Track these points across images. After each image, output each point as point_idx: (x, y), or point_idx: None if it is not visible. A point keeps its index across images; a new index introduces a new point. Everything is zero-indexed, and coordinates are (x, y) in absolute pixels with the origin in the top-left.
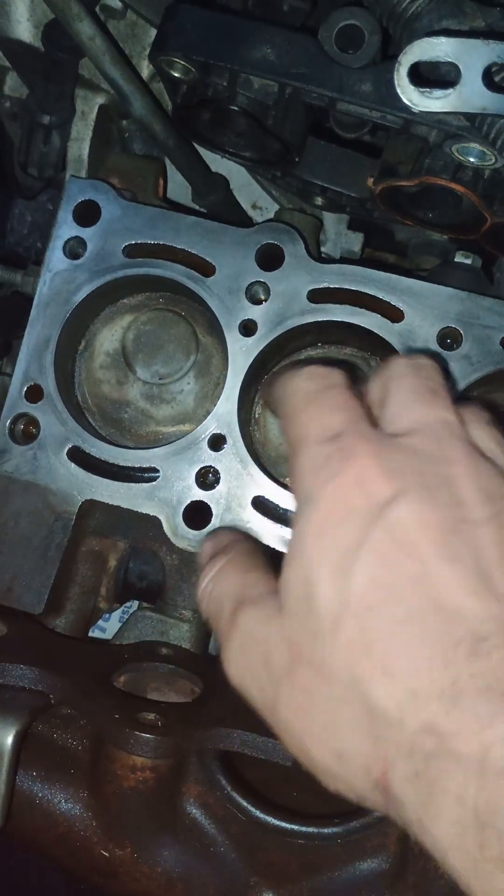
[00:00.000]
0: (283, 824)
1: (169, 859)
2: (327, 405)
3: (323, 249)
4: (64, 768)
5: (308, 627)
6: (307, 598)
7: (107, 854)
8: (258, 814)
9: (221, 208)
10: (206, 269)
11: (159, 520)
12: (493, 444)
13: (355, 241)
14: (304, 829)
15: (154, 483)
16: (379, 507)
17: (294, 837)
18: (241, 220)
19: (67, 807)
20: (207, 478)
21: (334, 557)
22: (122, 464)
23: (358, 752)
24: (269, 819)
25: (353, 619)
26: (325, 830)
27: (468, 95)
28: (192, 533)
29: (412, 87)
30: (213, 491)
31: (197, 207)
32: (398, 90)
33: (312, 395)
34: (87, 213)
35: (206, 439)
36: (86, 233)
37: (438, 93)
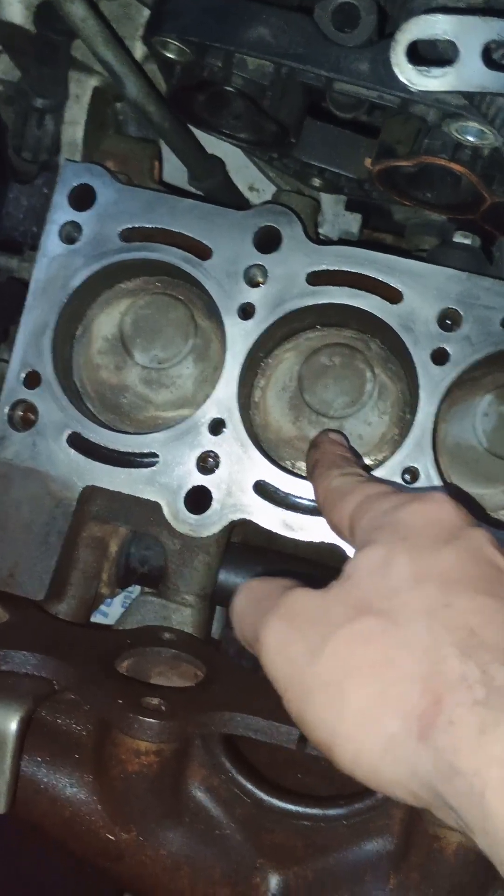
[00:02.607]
0: (288, 806)
1: (174, 842)
2: None
3: (321, 231)
4: (68, 753)
5: (383, 585)
6: (384, 566)
7: (112, 837)
8: (263, 796)
9: (218, 191)
10: (203, 253)
11: (160, 505)
12: None
13: (353, 223)
14: (308, 810)
15: (154, 468)
16: (460, 527)
17: (299, 819)
18: (238, 202)
19: (72, 791)
20: (208, 462)
21: (420, 545)
22: (121, 449)
23: (410, 684)
24: (274, 801)
25: (435, 582)
26: (330, 812)
27: (467, 74)
28: (192, 517)
29: (410, 66)
30: (213, 475)
31: (193, 190)
32: (395, 69)
33: None
34: (83, 197)
35: (206, 424)
36: (81, 217)
37: (436, 71)
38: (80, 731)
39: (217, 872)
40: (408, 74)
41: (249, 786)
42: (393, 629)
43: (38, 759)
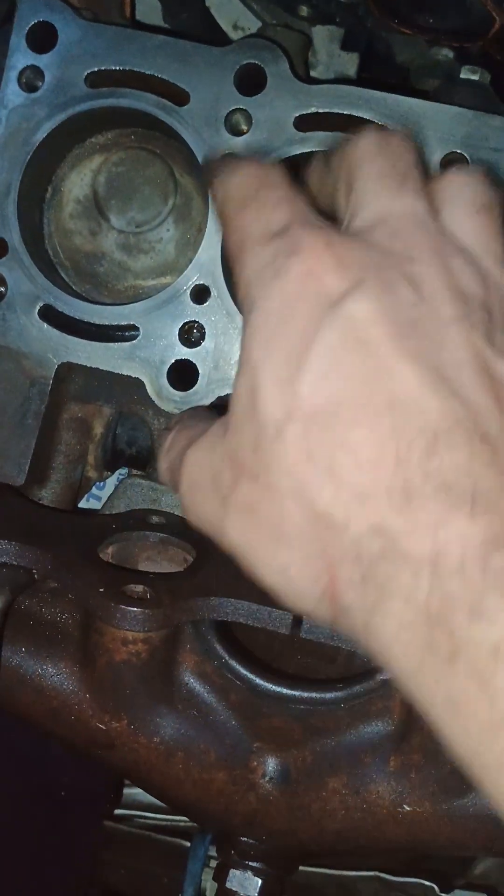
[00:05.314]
0: (284, 691)
1: (167, 729)
2: (269, 202)
3: (313, 74)
4: (53, 643)
5: (250, 438)
6: (251, 407)
7: (102, 727)
8: (257, 681)
9: (196, 27)
10: (179, 97)
11: (142, 381)
12: (474, 236)
13: (350, 64)
14: (305, 694)
15: (134, 342)
16: (330, 301)
17: (296, 703)
18: (218, 39)
19: (58, 681)
20: (192, 334)
21: (279, 360)
22: (98, 322)
23: (304, 563)
24: (269, 686)
25: (297, 423)
26: (328, 695)
27: None
28: (177, 394)
29: None
30: (198, 348)
31: (170, 28)
32: None
33: (251, 195)
34: (43, 37)
35: (189, 291)
36: (42, 60)
37: None
38: (66, 620)
39: (212, 757)
40: None
41: (243, 671)
42: (268, 499)
43: (22, 649)
